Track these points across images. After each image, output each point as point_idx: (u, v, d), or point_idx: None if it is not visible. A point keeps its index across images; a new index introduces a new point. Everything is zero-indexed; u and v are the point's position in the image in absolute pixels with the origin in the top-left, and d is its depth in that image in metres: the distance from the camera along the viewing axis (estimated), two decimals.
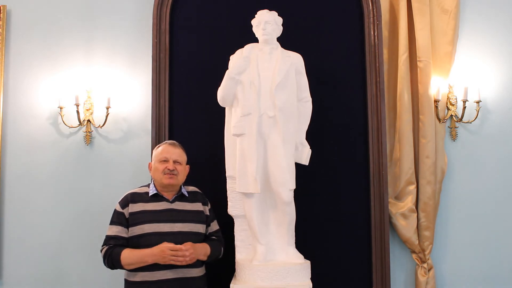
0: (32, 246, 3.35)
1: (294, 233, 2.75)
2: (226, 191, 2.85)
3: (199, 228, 2.65)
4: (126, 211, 2.57)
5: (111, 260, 2.51)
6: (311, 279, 2.65)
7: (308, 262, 2.69)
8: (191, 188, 2.78)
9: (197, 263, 2.60)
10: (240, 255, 2.79)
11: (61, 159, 3.39)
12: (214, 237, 2.76)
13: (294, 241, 2.75)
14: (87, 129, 3.37)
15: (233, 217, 2.84)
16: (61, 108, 3.33)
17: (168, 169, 2.60)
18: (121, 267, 2.52)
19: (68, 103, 3.34)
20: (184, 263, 2.43)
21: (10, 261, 3.34)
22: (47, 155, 3.40)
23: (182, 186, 2.71)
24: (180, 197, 2.67)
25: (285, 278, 2.54)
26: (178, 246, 2.38)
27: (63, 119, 3.34)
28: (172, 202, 2.63)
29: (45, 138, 3.40)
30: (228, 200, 2.84)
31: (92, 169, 3.38)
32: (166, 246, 2.40)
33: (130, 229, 2.55)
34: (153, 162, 2.69)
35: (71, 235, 3.35)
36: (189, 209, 2.65)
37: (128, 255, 2.48)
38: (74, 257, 3.34)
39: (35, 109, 3.42)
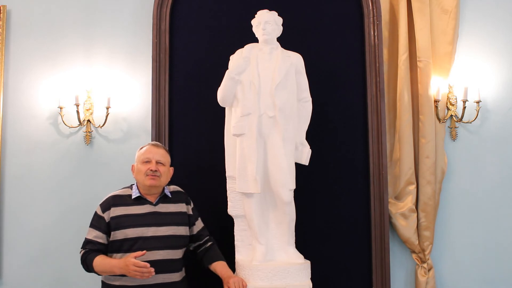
0: (32, 246, 3.34)
1: (294, 233, 2.75)
2: (226, 191, 2.85)
3: (182, 231, 2.58)
4: (107, 215, 2.50)
5: (86, 265, 2.49)
6: (311, 279, 2.65)
7: (308, 262, 2.69)
8: (173, 188, 2.71)
9: (177, 267, 2.56)
10: (240, 255, 2.79)
11: (61, 159, 3.39)
12: (208, 240, 2.72)
13: (294, 241, 2.75)
14: (87, 129, 3.37)
15: (233, 217, 2.84)
16: (61, 108, 3.33)
17: (151, 170, 2.52)
18: (96, 273, 2.49)
19: (68, 103, 3.34)
20: (149, 277, 2.34)
21: (10, 261, 3.34)
22: (47, 155, 3.39)
23: (165, 187, 2.64)
24: (163, 199, 2.60)
25: (285, 278, 2.55)
26: (143, 263, 2.30)
27: (63, 119, 3.34)
28: (155, 204, 2.56)
29: (45, 138, 3.40)
30: (228, 200, 2.83)
31: (92, 169, 3.38)
32: (131, 261, 2.31)
33: (112, 233, 2.49)
34: (136, 163, 2.62)
35: (71, 235, 3.34)
36: (172, 210, 2.59)
37: (99, 263, 2.44)
38: (74, 257, 3.30)
39: (35, 109, 3.42)
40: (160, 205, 2.57)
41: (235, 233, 2.83)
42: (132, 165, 2.65)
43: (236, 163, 2.70)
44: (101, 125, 3.36)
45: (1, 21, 3.43)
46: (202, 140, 3.17)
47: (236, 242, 2.82)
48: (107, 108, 3.33)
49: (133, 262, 2.30)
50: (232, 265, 2.74)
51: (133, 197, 2.55)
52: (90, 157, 3.39)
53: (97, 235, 2.50)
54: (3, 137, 3.39)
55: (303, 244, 2.82)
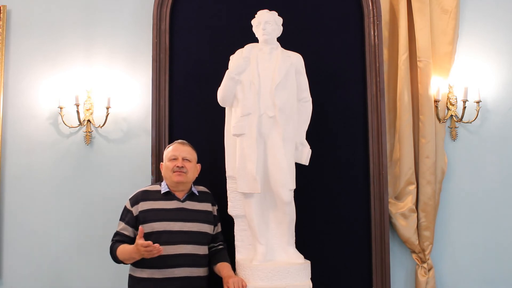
0: (32, 246, 3.34)
1: (294, 233, 2.75)
2: (226, 191, 2.85)
3: (207, 228, 2.68)
4: (135, 209, 2.60)
5: (112, 255, 2.58)
6: (311, 279, 2.65)
7: (308, 262, 2.69)
8: (201, 188, 2.80)
9: (203, 263, 2.64)
10: (240, 255, 2.79)
11: (61, 159, 3.39)
12: (221, 245, 2.79)
13: (294, 241, 2.75)
14: (87, 129, 3.37)
15: (233, 217, 2.84)
16: (61, 108, 3.33)
17: (177, 166, 2.63)
18: (122, 262, 2.57)
19: (68, 103, 3.34)
20: (158, 254, 2.41)
21: (10, 261, 3.34)
22: (47, 155, 3.39)
23: (193, 185, 2.74)
24: (190, 196, 2.70)
25: (285, 278, 2.55)
26: (147, 242, 2.37)
27: (63, 119, 3.34)
28: (183, 201, 2.66)
29: (45, 138, 3.40)
30: (228, 200, 2.84)
31: (92, 169, 3.38)
32: (138, 243, 2.39)
33: (140, 226, 2.54)
34: (163, 161, 2.73)
35: (71, 235, 3.35)
36: (199, 209, 2.68)
37: (121, 252, 2.53)
38: (74, 257, 3.33)
39: (35, 109, 3.42)
40: (187, 202, 2.67)
41: (235, 233, 2.83)
42: (161, 164, 2.77)
43: (236, 163, 2.70)
44: (101, 125, 3.36)
45: (1, 21, 3.43)
46: (202, 140, 3.16)
47: (236, 242, 2.82)
48: (107, 108, 3.33)
49: (140, 243, 2.38)
50: (232, 265, 2.75)
51: (162, 191, 2.65)
52: (90, 157, 3.39)
53: (123, 227, 2.61)
54: (3, 137, 3.39)
55: (303, 244, 2.82)
